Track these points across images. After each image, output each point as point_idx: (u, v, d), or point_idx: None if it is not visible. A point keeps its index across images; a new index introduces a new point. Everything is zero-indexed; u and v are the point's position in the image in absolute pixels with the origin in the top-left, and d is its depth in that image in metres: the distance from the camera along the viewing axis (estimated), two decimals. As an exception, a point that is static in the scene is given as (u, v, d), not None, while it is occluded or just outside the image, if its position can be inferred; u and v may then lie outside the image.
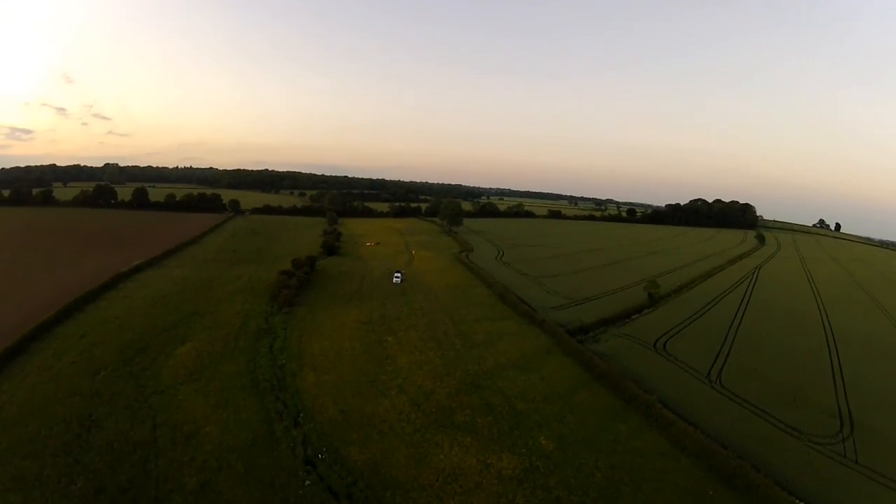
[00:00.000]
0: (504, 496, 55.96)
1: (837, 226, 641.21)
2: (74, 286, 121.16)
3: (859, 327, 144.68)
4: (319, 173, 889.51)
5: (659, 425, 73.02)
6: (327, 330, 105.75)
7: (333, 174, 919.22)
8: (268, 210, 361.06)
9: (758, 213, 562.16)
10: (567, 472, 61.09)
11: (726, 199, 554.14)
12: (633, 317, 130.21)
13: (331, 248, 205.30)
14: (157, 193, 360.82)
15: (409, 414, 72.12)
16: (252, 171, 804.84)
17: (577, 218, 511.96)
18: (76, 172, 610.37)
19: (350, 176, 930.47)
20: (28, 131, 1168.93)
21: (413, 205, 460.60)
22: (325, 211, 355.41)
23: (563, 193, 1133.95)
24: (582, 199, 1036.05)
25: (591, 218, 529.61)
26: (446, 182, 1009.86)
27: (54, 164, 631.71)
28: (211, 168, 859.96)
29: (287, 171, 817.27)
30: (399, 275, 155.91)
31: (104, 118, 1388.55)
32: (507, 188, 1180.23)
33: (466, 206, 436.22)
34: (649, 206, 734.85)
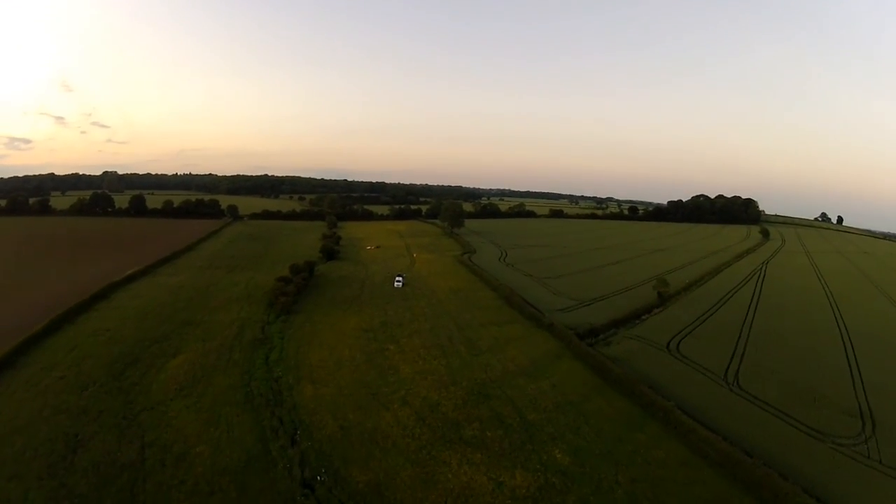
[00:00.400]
0: (519, 519, 51.55)
1: (839, 219, 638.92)
2: (66, 296, 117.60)
3: (872, 322, 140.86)
4: (319, 177, 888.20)
5: (679, 433, 68.97)
6: (326, 338, 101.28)
7: (333, 178, 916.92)
8: (266, 215, 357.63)
9: (760, 208, 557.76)
10: (586, 489, 56.83)
11: (728, 195, 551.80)
12: (644, 317, 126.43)
13: (330, 252, 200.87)
14: (155, 200, 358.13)
15: (414, 428, 67.63)
16: (251, 176, 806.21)
17: (579, 217, 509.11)
18: (75, 181, 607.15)
19: (350, 179, 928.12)
20: (27, 140, 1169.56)
21: (413, 207, 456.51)
22: (324, 214, 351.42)
23: (564, 193, 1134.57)
24: (582, 197, 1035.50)
25: (593, 216, 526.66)
26: (446, 184, 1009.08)
27: (53, 174, 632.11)
28: (210, 174, 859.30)
29: (286, 176, 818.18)
30: (401, 279, 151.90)
31: (103, 126, 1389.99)
32: (507, 188, 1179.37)
33: (467, 207, 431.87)
34: (650, 203, 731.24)
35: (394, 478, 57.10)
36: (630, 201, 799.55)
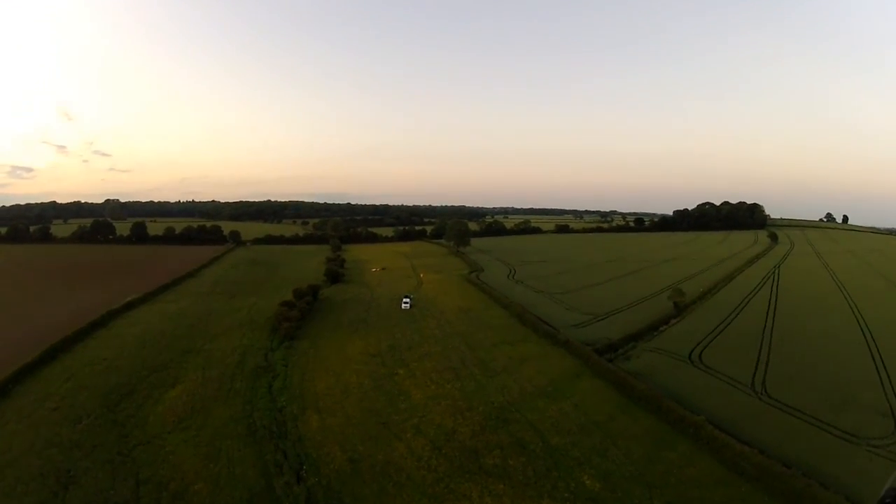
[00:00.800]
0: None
1: (845, 218, 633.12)
2: (64, 324, 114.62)
3: (893, 318, 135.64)
4: (322, 201, 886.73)
5: (711, 448, 64.08)
6: (332, 364, 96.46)
7: (336, 202, 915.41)
8: (269, 240, 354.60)
9: (765, 213, 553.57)
10: None
11: (733, 201, 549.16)
12: (661, 328, 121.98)
13: (335, 275, 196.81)
14: (156, 228, 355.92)
15: (429, 459, 62.39)
16: (254, 202, 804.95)
17: (585, 231, 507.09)
18: (77, 209, 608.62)
19: (353, 203, 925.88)
20: (29, 169, 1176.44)
21: (418, 228, 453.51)
22: (328, 238, 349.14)
23: (567, 208, 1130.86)
24: (586, 212, 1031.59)
25: (599, 230, 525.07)
26: (450, 204, 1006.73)
27: (55, 202, 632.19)
28: (213, 201, 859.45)
29: (290, 201, 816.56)
30: (408, 300, 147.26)
31: (105, 155, 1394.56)
32: (510, 206, 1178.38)
33: (472, 225, 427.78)
34: (654, 214, 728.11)
35: (410, 516, 52.09)
36: (634, 213, 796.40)
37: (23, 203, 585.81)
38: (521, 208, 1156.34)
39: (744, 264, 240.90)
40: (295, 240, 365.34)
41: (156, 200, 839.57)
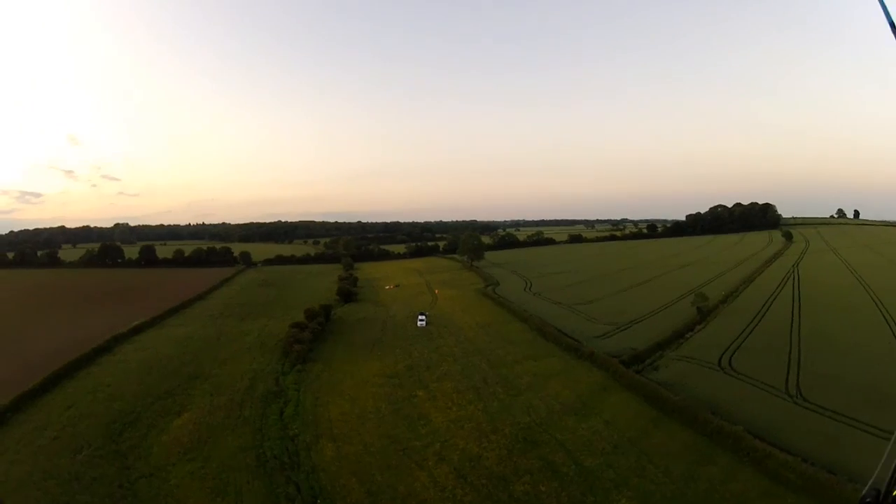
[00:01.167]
0: None
1: (856, 213, 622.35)
2: (68, 350, 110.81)
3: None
4: (333, 220, 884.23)
5: (753, 460, 59.56)
6: (347, 388, 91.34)
7: (347, 220, 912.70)
8: (280, 260, 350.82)
9: (777, 212, 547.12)
10: None
11: (745, 202, 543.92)
12: (687, 335, 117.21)
13: (347, 294, 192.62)
14: (165, 251, 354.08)
15: (455, 489, 57.02)
16: (264, 223, 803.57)
17: (598, 240, 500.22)
18: (86, 234, 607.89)
19: (364, 221, 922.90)
20: (38, 195, 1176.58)
21: (430, 243, 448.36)
22: (339, 257, 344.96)
23: (579, 218, 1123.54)
24: (598, 221, 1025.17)
25: (613, 238, 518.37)
26: (461, 219, 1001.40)
27: (63, 226, 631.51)
28: (224, 223, 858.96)
29: (300, 221, 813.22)
30: (423, 317, 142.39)
31: (114, 179, 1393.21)
32: (522, 219, 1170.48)
33: (485, 239, 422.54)
34: (665, 220, 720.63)
35: (436, 555, 47.02)
36: (646, 220, 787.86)
37: (31, 228, 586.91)
38: (533, 220, 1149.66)
39: (762, 265, 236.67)
40: (306, 259, 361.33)
41: (166, 224, 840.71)
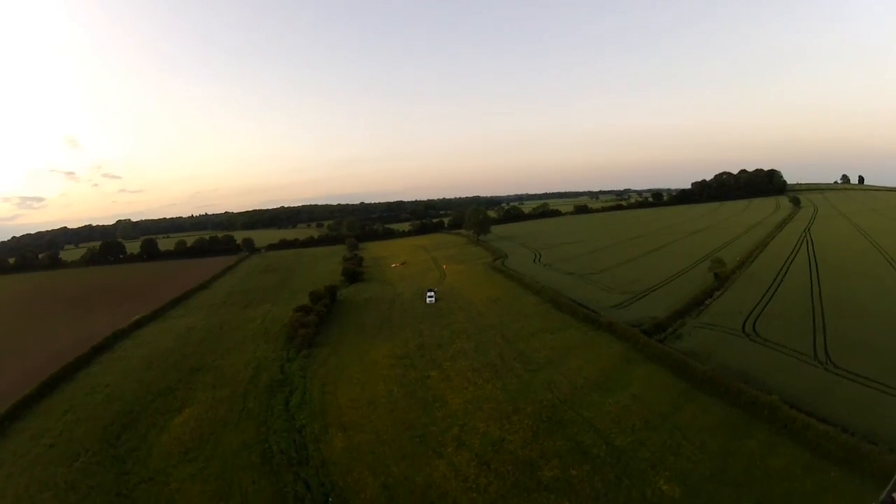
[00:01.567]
0: None
1: (861, 179, 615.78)
2: (68, 352, 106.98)
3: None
4: (336, 203, 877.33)
5: (791, 432, 55.25)
6: (356, 372, 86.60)
7: (350, 202, 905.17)
8: (284, 244, 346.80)
9: (783, 178, 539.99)
10: None
11: (750, 169, 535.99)
12: (706, 302, 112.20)
13: (353, 274, 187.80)
14: (168, 243, 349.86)
15: (478, 478, 52.20)
16: (267, 209, 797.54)
17: (604, 210, 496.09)
18: (88, 233, 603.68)
19: (367, 202, 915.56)
20: (39, 199, 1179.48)
21: (434, 220, 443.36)
22: (343, 238, 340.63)
23: (582, 190, 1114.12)
24: (601, 192, 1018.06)
25: (619, 207, 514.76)
26: (464, 195, 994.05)
27: (65, 227, 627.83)
28: (226, 212, 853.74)
29: (303, 205, 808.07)
30: (432, 294, 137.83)
31: (114, 177, 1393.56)
32: (525, 193, 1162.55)
33: (490, 213, 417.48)
34: (669, 189, 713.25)
35: (461, 554, 42.29)
36: (649, 190, 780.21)
37: (34, 232, 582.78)
38: (536, 194, 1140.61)
39: (773, 230, 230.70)
40: (310, 242, 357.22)
41: (168, 217, 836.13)
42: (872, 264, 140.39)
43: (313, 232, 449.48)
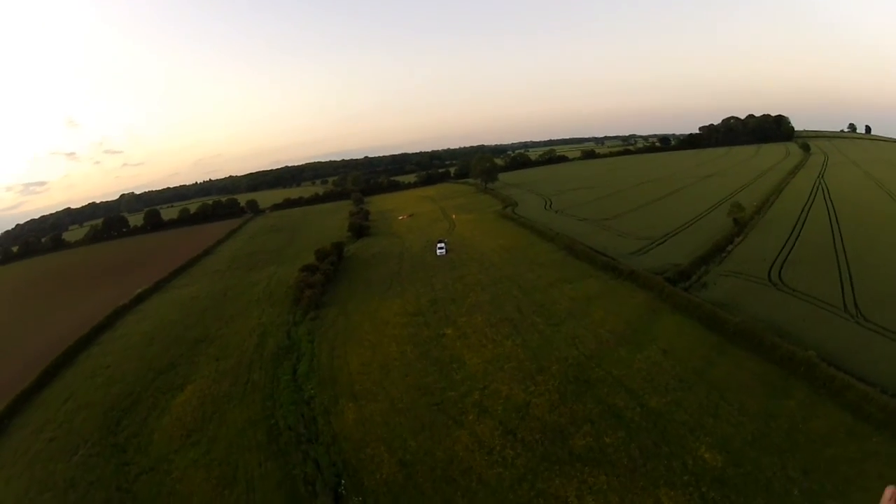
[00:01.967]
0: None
1: (867, 128, 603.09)
2: (70, 334, 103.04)
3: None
4: (340, 159, 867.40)
5: (830, 391, 50.74)
6: (366, 333, 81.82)
7: (354, 157, 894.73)
8: (288, 203, 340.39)
9: (791, 124, 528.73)
10: (758, 501, 38.49)
11: (757, 114, 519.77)
12: (728, 248, 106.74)
13: (359, 229, 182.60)
14: (172, 212, 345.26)
15: (503, 450, 47.55)
16: (271, 170, 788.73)
17: (611, 155, 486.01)
18: (92, 211, 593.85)
19: (371, 156, 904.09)
20: (42, 183, 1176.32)
21: (440, 171, 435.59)
22: (349, 193, 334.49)
23: (587, 136, 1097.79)
24: (606, 138, 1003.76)
25: (627, 152, 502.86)
26: (469, 145, 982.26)
27: (69, 208, 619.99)
28: (230, 176, 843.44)
29: (307, 164, 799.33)
30: (443, 245, 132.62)
31: (116, 152, 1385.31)
32: (529, 140, 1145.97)
33: (497, 161, 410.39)
34: (673, 135, 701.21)
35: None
36: (655, 136, 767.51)
37: (37, 217, 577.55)
38: (542, 141, 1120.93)
39: (786, 175, 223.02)
40: (314, 199, 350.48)
41: (172, 186, 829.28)
42: (893, 216, 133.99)
43: (318, 189, 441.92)
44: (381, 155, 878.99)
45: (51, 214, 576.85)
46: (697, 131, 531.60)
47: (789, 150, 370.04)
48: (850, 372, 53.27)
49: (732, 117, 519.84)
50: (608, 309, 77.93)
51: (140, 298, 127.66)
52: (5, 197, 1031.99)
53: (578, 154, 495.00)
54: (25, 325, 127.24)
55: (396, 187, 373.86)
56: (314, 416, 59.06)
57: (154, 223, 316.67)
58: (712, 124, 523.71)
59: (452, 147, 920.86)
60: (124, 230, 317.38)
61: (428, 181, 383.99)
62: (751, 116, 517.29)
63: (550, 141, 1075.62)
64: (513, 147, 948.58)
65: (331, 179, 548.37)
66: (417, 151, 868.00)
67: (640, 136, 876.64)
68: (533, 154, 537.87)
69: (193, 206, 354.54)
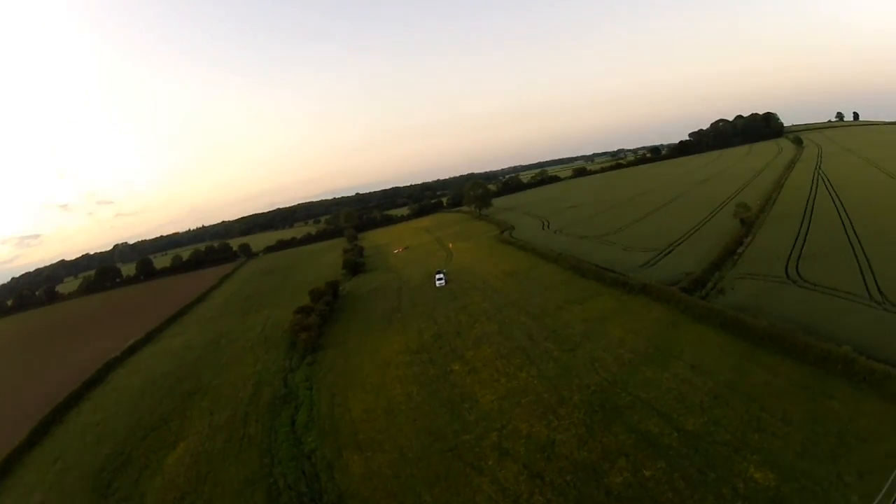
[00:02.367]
0: None
1: (855, 115, 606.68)
2: (61, 389, 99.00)
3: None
4: (331, 197, 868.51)
5: (872, 385, 47.87)
6: (368, 375, 76.94)
7: (345, 195, 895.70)
8: (281, 245, 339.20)
9: (780, 120, 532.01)
10: None
11: (745, 114, 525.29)
12: (739, 250, 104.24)
13: (354, 266, 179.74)
14: (164, 260, 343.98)
15: (532, 496, 42.39)
16: (263, 213, 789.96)
17: (603, 170, 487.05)
18: (86, 262, 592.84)
19: (362, 192, 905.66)
20: (35, 236, 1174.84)
21: (433, 201, 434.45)
22: (342, 230, 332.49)
23: (576, 155, 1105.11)
24: (595, 155, 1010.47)
25: (619, 166, 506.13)
26: (459, 174, 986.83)
27: (63, 260, 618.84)
28: (223, 221, 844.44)
29: (298, 204, 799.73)
30: (442, 275, 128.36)
31: (108, 202, 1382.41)
32: (519, 164, 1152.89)
33: (490, 187, 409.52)
34: (662, 145, 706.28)
35: None
36: (643, 147, 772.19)
37: (32, 270, 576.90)
38: (531, 164, 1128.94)
39: (783, 171, 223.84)
40: (307, 239, 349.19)
41: (166, 234, 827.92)
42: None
43: (310, 229, 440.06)
44: (372, 191, 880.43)
45: (45, 267, 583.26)
46: (687, 138, 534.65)
47: (781, 146, 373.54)
48: (888, 361, 50.58)
49: (721, 120, 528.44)
50: (625, 327, 73.84)
51: (132, 350, 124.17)
52: (1, 251, 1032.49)
53: (570, 173, 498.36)
54: (15, 382, 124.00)
55: (390, 221, 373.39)
56: (316, 472, 54.02)
57: (147, 272, 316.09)
58: (701, 129, 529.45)
59: (443, 177, 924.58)
60: (117, 280, 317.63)
61: (421, 212, 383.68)
62: (739, 117, 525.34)
63: (540, 163, 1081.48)
64: (503, 172, 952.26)
65: (323, 218, 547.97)
66: (408, 185, 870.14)
67: (630, 150, 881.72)
68: (524, 177, 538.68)
69: (186, 252, 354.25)
